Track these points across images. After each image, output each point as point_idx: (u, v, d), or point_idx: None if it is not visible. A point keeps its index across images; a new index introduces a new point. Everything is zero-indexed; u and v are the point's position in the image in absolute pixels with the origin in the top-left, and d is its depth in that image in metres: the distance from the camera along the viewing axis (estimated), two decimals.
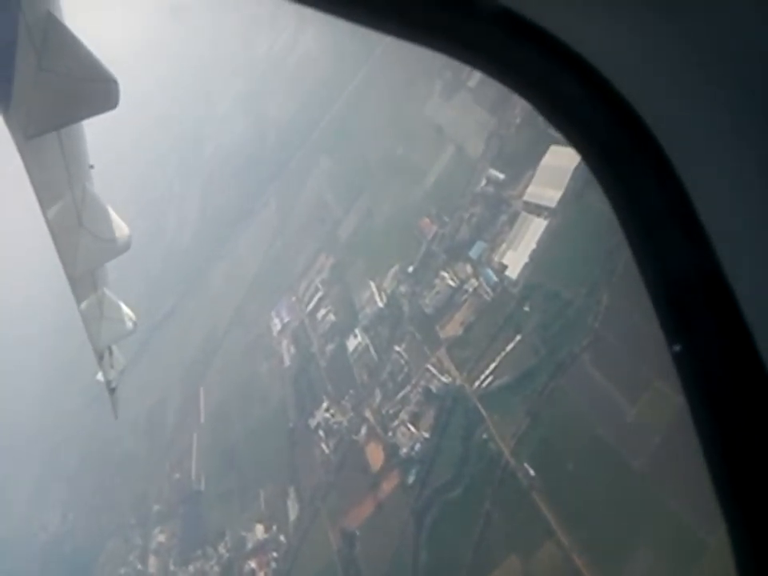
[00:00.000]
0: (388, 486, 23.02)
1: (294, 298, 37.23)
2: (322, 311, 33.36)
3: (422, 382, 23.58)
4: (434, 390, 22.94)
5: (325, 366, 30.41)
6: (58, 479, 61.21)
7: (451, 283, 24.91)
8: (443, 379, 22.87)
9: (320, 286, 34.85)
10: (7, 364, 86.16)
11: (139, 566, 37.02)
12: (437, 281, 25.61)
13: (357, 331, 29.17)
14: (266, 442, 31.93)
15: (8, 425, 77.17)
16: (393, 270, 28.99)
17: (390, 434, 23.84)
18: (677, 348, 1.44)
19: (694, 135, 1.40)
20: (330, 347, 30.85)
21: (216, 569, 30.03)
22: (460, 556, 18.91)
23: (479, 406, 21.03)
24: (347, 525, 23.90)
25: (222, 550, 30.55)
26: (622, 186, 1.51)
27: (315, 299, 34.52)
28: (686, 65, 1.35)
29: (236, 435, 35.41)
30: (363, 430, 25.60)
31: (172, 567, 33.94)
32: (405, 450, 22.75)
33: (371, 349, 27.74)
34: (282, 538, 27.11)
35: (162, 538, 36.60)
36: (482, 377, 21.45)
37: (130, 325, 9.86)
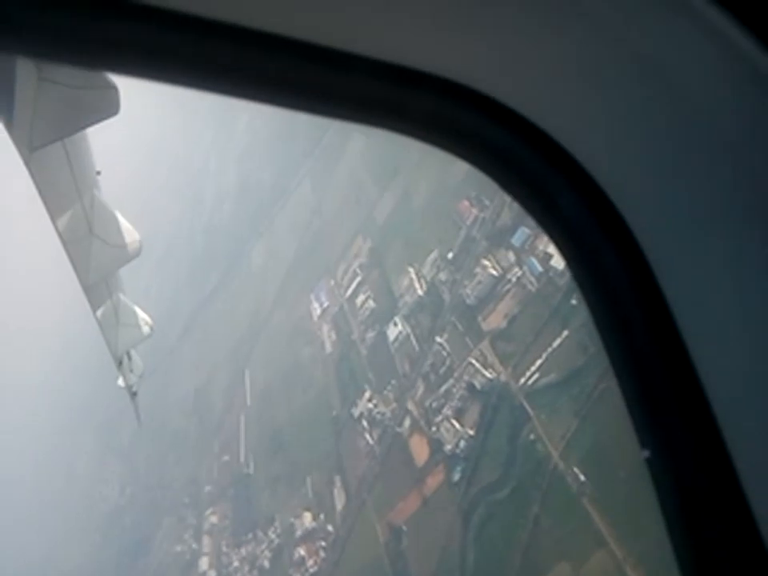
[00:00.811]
0: (433, 481, 22.88)
1: (332, 282, 37.00)
2: (361, 297, 33.01)
3: (466, 377, 23.07)
4: (477, 385, 22.42)
5: (366, 354, 30.23)
6: (114, 454, 64.09)
7: (493, 272, 24.05)
8: (487, 374, 22.30)
9: (358, 270, 34.43)
10: (60, 339, 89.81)
11: (194, 545, 38.49)
12: (478, 269, 24.77)
13: (397, 319, 28.74)
14: (311, 429, 32.25)
15: (62, 400, 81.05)
16: (432, 256, 28.24)
17: (434, 428, 23.57)
18: (647, 453, 1.43)
19: (672, 228, 1.37)
20: (370, 335, 30.59)
21: (267, 554, 30.85)
22: (508, 559, 18.69)
23: (526, 404, 20.44)
24: (394, 519, 23.99)
25: (272, 534, 31.34)
26: (596, 283, 1.50)
27: (354, 284, 34.16)
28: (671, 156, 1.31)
29: (281, 420, 35.91)
30: (407, 423, 25.42)
31: (225, 548, 35.13)
32: (449, 446, 22.46)
33: (412, 338, 27.31)
34: (329, 527, 27.53)
35: (214, 519, 37.86)
36: (528, 373, 20.78)
37: (146, 329, 9.88)
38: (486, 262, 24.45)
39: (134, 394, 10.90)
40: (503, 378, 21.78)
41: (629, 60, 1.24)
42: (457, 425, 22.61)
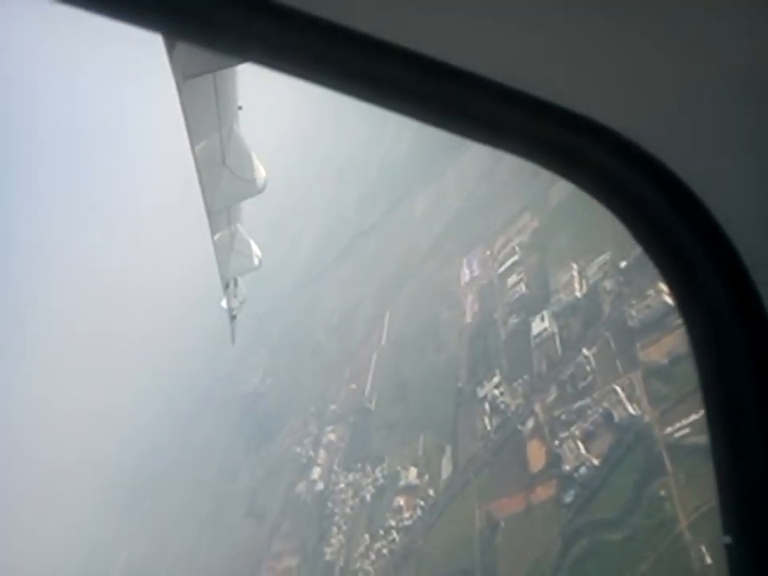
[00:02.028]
0: (543, 493, 21.96)
1: (488, 252, 35.62)
2: (514, 278, 31.42)
3: (605, 403, 21.24)
4: (616, 417, 20.56)
5: (504, 339, 29.09)
6: (263, 345, 70.40)
7: (668, 300, 21.26)
8: (630, 409, 20.31)
9: (517, 248, 32.62)
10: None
11: (311, 453, 41.64)
12: (651, 291, 22.07)
13: (545, 314, 27.03)
14: (434, 392, 32.39)
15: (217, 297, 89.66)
16: (602, 258, 25.70)
17: (557, 442, 22.31)
18: (728, 539, 1.36)
19: None
20: (513, 320, 29.24)
21: (371, 489, 32.39)
22: None
23: (666, 456, 18.40)
24: (494, 511, 23.66)
25: (378, 473, 32.74)
26: (711, 343, 1.43)
27: (509, 262, 32.54)
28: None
29: (409, 371, 36.50)
30: (530, 424, 24.38)
31: (336, 467, 37.56)
32: (568, 467, 21.20)
33: (557, 340, 25.61)
34: (431, 491, 28.02)
35: (332, 437, 40.41)
36: (678, 425, 18.52)
37: (255, 261, 10.34)
38: (663, 286, 21.63)
39: (233, 317, 11.53)
40: (647, 418, 19.70)
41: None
42: (582, 448, 21.17)
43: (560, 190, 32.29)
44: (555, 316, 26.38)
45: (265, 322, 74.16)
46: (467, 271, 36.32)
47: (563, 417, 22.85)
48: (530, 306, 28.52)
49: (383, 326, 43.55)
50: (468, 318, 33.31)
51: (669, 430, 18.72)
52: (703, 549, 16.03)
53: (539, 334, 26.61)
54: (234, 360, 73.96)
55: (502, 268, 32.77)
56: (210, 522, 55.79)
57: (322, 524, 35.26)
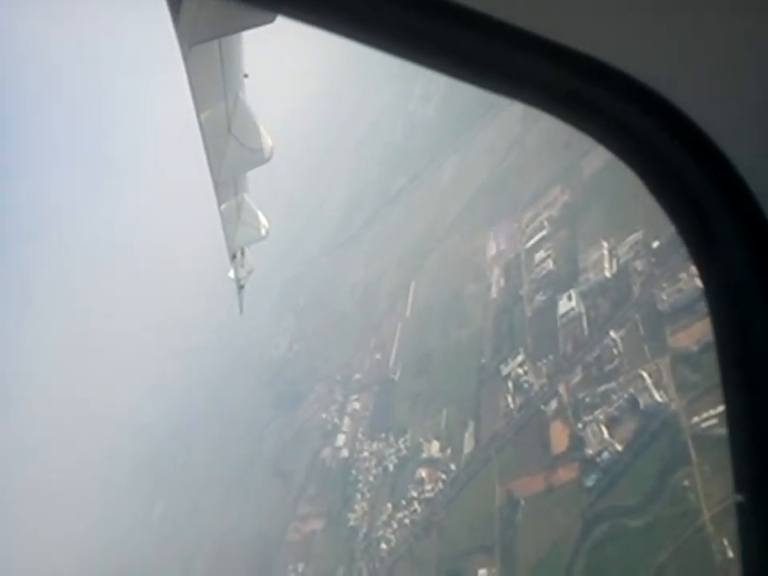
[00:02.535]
0: (564, 474, 21.87)
1: (515, 225, 34.74)
2: (541, 253, 30.65)
3: (631, 389, 20.79)
4: (641, 403, 20.13)
5: (530, 317, 28.60)
6: (290, 310, 71.07)
7: (700, 284, 20.44)
8: (656, 396, 19.84)
9: (546, 223, 31.70)
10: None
11: (336, 420, 42.31)
12: (683, 274, 21.22)
13: (573, 293, 26.39)
14: (458, 366, 32.27)
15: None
16: (633, 237, 24.77)
17: (580, 425, 22.05)
18: (740, 497, 1.35)
19: None
20: (539, 297, 28.66)
21: (394, 460, 32.82)
22: None
23: (691, 445, 18.01)
24: (514, 489, 23.73)
25: (401, 444, 33.11)
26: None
27: (537, 237, 31.71)
28: None
29: (433, 343, 36.39)
30: (553, 405, 24.12)
31: (360, 435, 38.12)
32: (591, 451, 20.98)
33: (584, 320, 25.03)
34: (452, 466, 28.22)
35: (357, 405, 40.90)
36: (705, 415, 18.02)
37: (262, 231, 10.32)
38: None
39: (241, 287, 11.61)
40: (674, 406, 19.23)
41: None
42: (606, 433, 20.88)
43: (592, 161, 31.02)
44: (583, 295, 25.73)
45: (291, 287, 74.71)
46: (493, 244, 35.60)
47: (587, 400, 22.51)
48: (558, 284, 27.86)
49: (408, 297, 43.31)
50: (494, 293, 32.80)
51: (696, 419, 18.25)
52: (725, 542, 15.77)
53: (566, 313, 26.05)
54: (266, 326, 75.04)
55: (530, 243, 31.98)
56: (240, 479, 57.76)
57: (346, 490, 36.05)
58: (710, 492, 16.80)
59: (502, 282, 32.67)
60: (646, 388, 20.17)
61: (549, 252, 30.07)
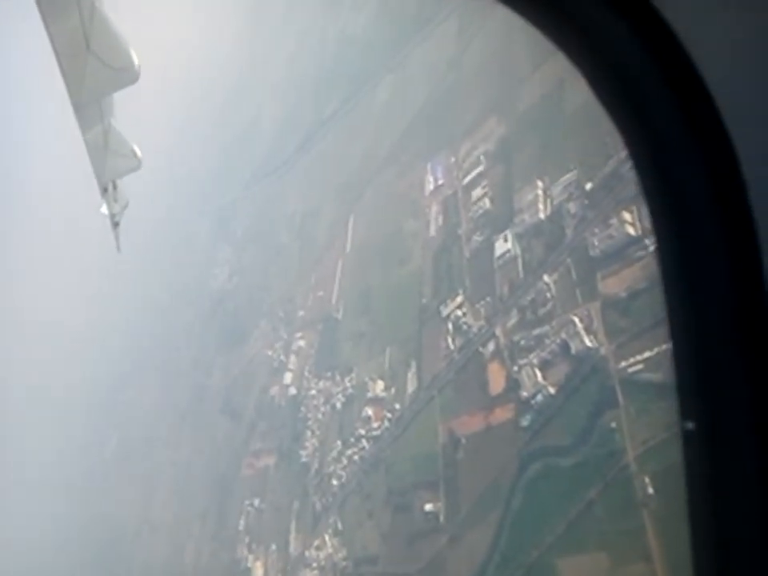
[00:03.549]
0: (501, 414, 22.81)
1: (452, 159, 33.79)
2: (478, 191, 30.13)
3: (563, 334, 21.41)
4: (573, 349, 20.83)
5: (467, 258, 28.53)
6: (226, 241, 68.64)
7: (631, 231, 20.68)
8: (587, 341, 20.53)
9: (482, 158, 30.94)
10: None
11: (282, 358, 42.32)
12: (614, 220, 21.36)
13: (508, 234, 26.32)
14: (399, 305, 32.35)
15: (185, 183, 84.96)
16: (567, 177, 24.53)
17: (516, 368, 22.77)
18: (690, 425, 1.36)
19: None
20: (477, 238, 28.49)
21: (341, 398, 33.39)
22: (550, 523, 19.04)
23: (618, 389, 18.94)
24: (455, 428, 24.69)
25: (347, 383, 33.61)
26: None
27: (474, 173, 31.01)
28: None
29: (374, 281, 36.14)
30: (490, 347, 24.70)
31: (306, 374, 38.41)
32: (526, 393, 21.82)
33: (519, 263, 25.18)
34: (397, 405, 28.97)
35: (302, 343, 40.86)
36: (632, 360, 18.86)
37: (134, 161, 9.73)
38: (627, 215, 20.92)
39: (116, 224, 10.85)
40: (603, 351, 20.00)
41: None
42: (539, 376, 21.67)
43: (527, 94, 30.06)
44: (518, 237, 25.71)
45: (226, 214, 71.79)
46: (431, 179, 34.71)
47: (522, 342, 23.12)
48: (494, 225, 27.68)
49: (347, 232, 42.33)
50: (432, 231, 32.40)
51: (623, 364, 19.09)
52: (646, 480, 17.06)
53: (502, 255, 26.09)
54: (202, 254, 72.46)
55: (467, 179, 31.30)
56: (190, 414, 57.98)
57: (296, 427, 36.77)
58: (635, 433, 17.92)
59: (441, 219, 32.21)
60: (578, 334, 20.80)
61: (485, 190, 29.58)
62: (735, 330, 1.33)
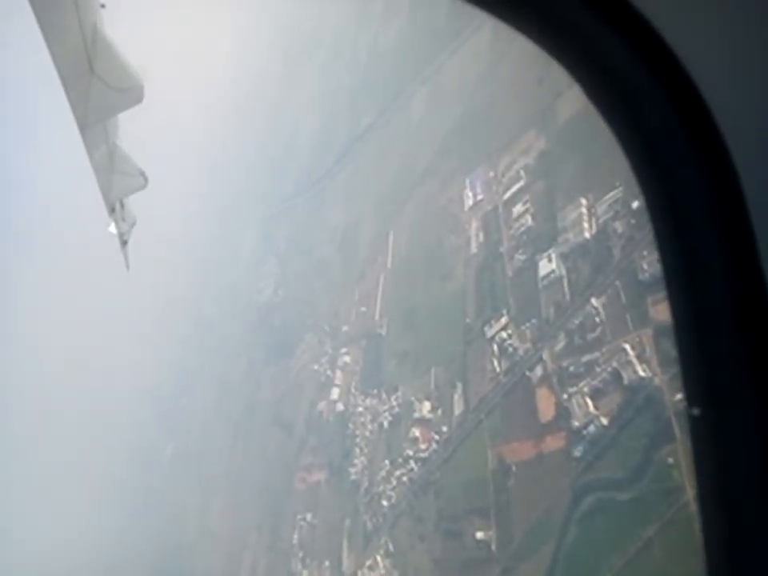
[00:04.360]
0: (553, 443, 22.27)
1: (491, 173, 33.19)
2: (519, 207, 29.49)
3: (614, 362, 20.70)
4: (625, 378, 20.11)
5: (511, 276, 27.97)
6: (271, 254, 69.70)
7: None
8: (640, 371, 19.78)
9: (522, 173, 30.24)
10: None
11: (329, 373, 42.68)
12: None
13: (552, 254, 25.63)
14: (443, 324, 32.04)
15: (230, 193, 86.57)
16: (613, 194, 23.67)
17: (566, 396, 22.18)
18: (696, 411, 1.37)
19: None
20: (520, 256, 27.90)
21: (388, 417, 33.40)
22: (607, 559, 18.49)
23: (674, 422, 18.17)
24: (505, 454, 24.28)
25: (393, 401, 33.58)
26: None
27: (515, 188, 30.36)
28: None
29: (417, 298, 35.93)
30: (538, 371, 24.15)
31: (353, 390, 38.61)
32: (577, 423, 21.23)
33: (565, 284, 24.50)
34: (444, 427, 28.74)
35: (347, 359, 41.09)
36: None
37: (140, 180, 9.71)
38: None
39: (124, 243, 10.87)
40: (657, 382, 19.23)
41: None
42: (591, 406, 21.03)
43: (568, 102, 29.12)
44: (563, 257, 25.01)
45: (270, 227, 72.86)
46: (470, 194, 34.20)
47: (572, 369, 22.49)
48: (537, 243, 27.01)
49: (387, 247, 42.26)
50: (473, 248, 31.92)
51: (679, 396, 18.25)
52: None
53: (546, 275, 25.44)
54: (247, 268, 73.84)
55: (507, 194, 30.68)
56: (242, 427, 59.27)
57: (345, 443, 37.02)
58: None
59: (481, 236, 31.70)
60: (630, 362, 20.07)
61: (527, 206, 28.91)
62: (735, 316, 1.34)
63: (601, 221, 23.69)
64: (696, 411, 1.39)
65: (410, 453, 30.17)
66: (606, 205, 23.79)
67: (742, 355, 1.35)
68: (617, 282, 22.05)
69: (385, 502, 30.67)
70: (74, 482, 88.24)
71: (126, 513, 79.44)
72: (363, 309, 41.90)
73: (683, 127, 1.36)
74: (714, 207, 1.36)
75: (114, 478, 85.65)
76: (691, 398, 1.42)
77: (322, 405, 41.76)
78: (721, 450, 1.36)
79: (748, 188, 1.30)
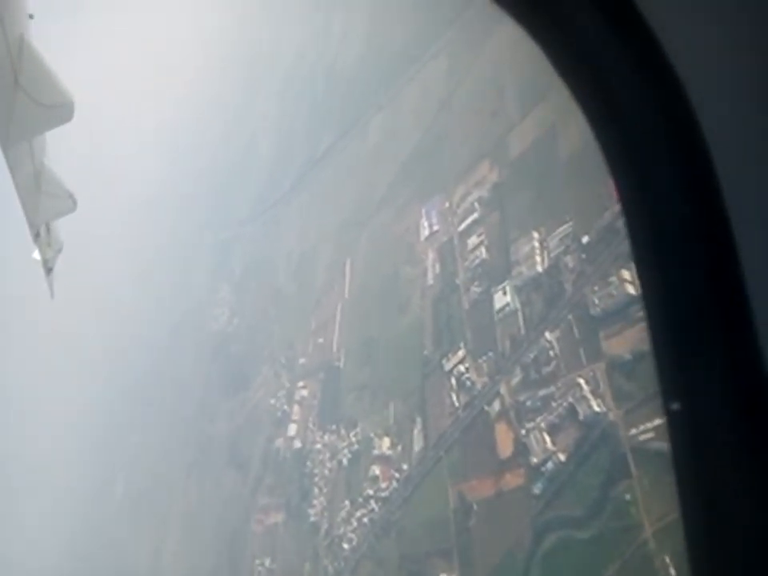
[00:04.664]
0: (512, 480, 22.07)
1: (447, 204, 33.38)
2: (474, 239, 29.67)
3: (570, 397, 20.76)
4: (580, 414, 20.16)
5: (467, 309, 27.97)
6: (225, 280, 68.14)
7: (631, 290, 20.13)
8: (594, 406, 19.88)
9: (477, 205, 30.52)
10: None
11: (285, 407, 41.59)
12: (613, 277, 20.84)
13: (507, 287, 25.78)
14: (401, 355, 31.72)
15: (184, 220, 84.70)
16: (563, 229, 24.04)
17: (524, 431, 22.09)
18: (676, 405, 1.37)
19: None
20: (476, 289, 27.96)
21: (347, 454, 32.61)
22: None
23: (630, 459, 18.25)
24: (466, 492, 23.93)
25: (353, 438, 32.86)
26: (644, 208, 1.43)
27: (469, 220, 30.56)
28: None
29: (374, 329, 35.55)
30: (496, 406, 24.03)
31: (311, 426, 37.66)
32: (536, 459, 21.12)
33: (520, 317, 24.61)
34: (404, 465, 28.22)
35: (304, 392, 40.18)
36: (642, 427, 18.17)
37: (69, 202, 8.97)
38: (626, 274, 20.38)
39: (49, 270, 10.09)
40: (611, 417, 19.34)
41: None
42: (549, 441, 20.98)
43: (520, 137, 29.66)
44: (517, 290, 25.17)
45: (223, 252, 71.46)
46: (426, 224, 34.29)
47: (528, 403, 22.47)
48: (492, 276, 27.16)
49: (344, 275, 41.85)
50: (430, 279, 31.89)
51: (633, 431, 18.42)
52: (667, 560, 16.30)
53: (501, 308, 25.53)
54: (200, 295, 71.87)
55: (462, 225, 30.86)
56: (197, 463, 57.05)
57: (303, 483, 35.94)
58: (650, 507, 17.19)
59: (438, 267, 31.72)
60: (585, 397, 20.16)
61: (481, 238, 29.12)
62: (709, 306, 1.34)
63: (552, 255, 23.98)
64: (675, 405, 1.39)
65: (371, 492, 29.47)
66: (557, 239, 24.13)
67: (717, 346, 1.35)
68: (569, 317, 22.26)
69: (346, 545, 29.75)
70: (19, 523, 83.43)
71: (76, 554, 75.16)
72: (320, 340, 41.19)
73: (668, 135, 1.37)
74: (693, 215, 1.36)
75: (62, 518, 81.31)
76: (668, 393, 1.42)
77: (279, 441, 40.58)
78: (698, 442, 1.36)
79: (730, 195, 1.30)
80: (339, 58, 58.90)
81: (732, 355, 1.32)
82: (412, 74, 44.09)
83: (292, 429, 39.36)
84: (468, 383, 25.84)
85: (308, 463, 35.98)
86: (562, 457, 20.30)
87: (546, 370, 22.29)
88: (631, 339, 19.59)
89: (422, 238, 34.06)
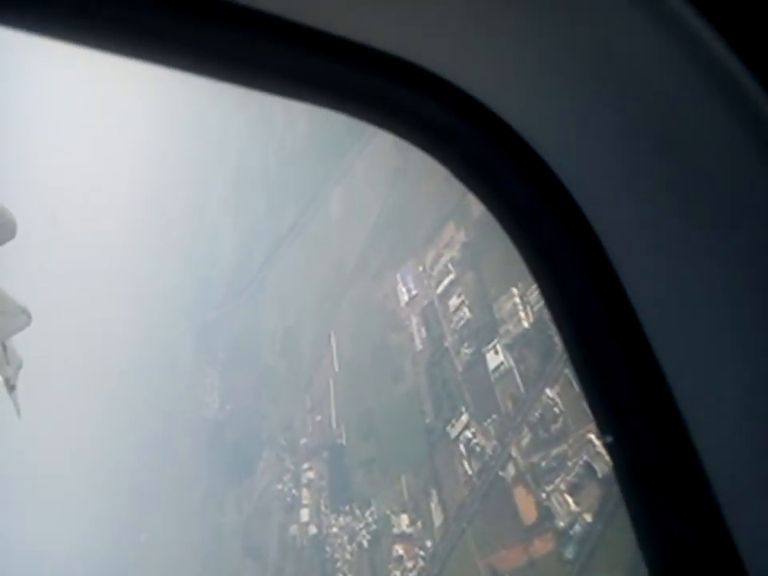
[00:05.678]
0: (542, 546, 21.24)
1: (420, 268, 33.36)
2: (455, 299, 29.52)
3: (584, 455, 20.27)
4: (598, 471, 19.66)
5: (462, 371, 27.55)
6: (210, 365, 66.54)
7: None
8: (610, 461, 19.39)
9: (450, 266, 30.54)
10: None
11: (294, 492, 39.98)
12: None
13: (498, 346, 25.52)
14: (403, 427, 30.91)
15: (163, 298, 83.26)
16: None
17: (544, 495, 21.41)
18: (609, 439, 1.43)
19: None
20: (466, 350, 27.63)
21: (366, 535, 31.25)
22: None
23: None
24: (497, 564, 22.95)
25: (369, 518, 31.56)
26: (552, 274, 1.63)
27: (446, 281, 30.50)
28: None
29: (371, 401, 34.74)
30: (511, 470, 23.35)
31: (323, 509, 36.16)
32: (562, 523, 20.41)
33: (516, 375, 24.27)
34: (428, 542, 27.10)
35: (311, 474, 38.73)
36: None
37: (24, 318, 8.31)
38: None
39: (12, 387, 9.45)
40: None
41: (601, 60, 1.17)
42: (572, 503, 20.33)
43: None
44: (508, 348, 24.90)
45: (205, 336, 70.05)
46: (404, 289, 34.10)
47: (543, 464, 21.86)
48: (480, 335, 26.89)
49: (331, 348, 41.16)
50: (418, 345, 31.46)
51: None
52: None
53: (496, 368, 25.17)
54: (185, 386, 70.01)
55: (440, 288, 30.74)
56: (211, 557, 54.23)
57: (326, 569, 34.23)
58: None
59: (424, 331, 31.36)
60: (599, 454, 19.64)
61: (462, 298, 28.97)
62: (611, 338, 1.41)
63: (536, 309, 23.87)
64: (608, 439, 1.42)
65: (398, 574, 28.09)
66: (537, 293, 24.03)
67: (626, 374, 1.37)
68: (566, 370, 21.96)
69: None
70: None
71: None
72: (318, 418, 40.06)
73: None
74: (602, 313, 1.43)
75: None
76: (601, 427, 1.45)
77: (293, 528, 38.79)
78: (637, 471, 1.38)
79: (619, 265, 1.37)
80: (288, 138, 59.76)
81: (638, 380, 1.34)
82: (360, 147, 44.80)
83: (304, 514, 37.72)
84: (477, 449, 25.14)
85: (327, 548, 34.34)
86: (588, 517, 19.63)
87: (554, 427, 21.82)
88: None
89: (403, 304, 33.80)
